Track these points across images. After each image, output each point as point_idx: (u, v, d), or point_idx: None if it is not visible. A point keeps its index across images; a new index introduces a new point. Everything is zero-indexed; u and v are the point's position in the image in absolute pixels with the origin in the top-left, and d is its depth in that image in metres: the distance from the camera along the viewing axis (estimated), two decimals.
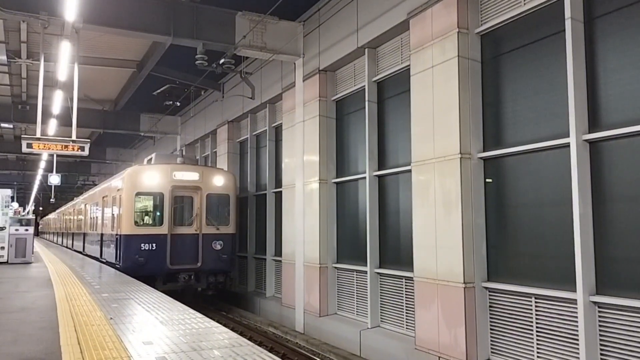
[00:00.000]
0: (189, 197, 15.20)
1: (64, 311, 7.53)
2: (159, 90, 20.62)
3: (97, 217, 19.59)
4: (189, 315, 7.22)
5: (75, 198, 32.99)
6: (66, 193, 52.47)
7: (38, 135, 12.74)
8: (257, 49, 13.08)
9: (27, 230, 17.43)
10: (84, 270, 14.29)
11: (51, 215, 51.38)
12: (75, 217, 27.73)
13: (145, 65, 17.34)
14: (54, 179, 30.15)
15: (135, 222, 14.55)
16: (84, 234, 23.38)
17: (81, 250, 23.90)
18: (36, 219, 51.02)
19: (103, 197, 18.14)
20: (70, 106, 14.12)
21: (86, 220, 23.05)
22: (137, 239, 14.18)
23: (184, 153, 20.54)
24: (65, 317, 7.09)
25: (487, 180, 8.54)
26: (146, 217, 15.14)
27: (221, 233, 15.21)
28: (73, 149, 12.93)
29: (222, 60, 13.15)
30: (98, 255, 18.41)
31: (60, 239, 37.44)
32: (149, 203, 15.13)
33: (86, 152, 12.87)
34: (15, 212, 24.26)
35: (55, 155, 26.30)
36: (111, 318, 6.92)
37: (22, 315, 7.38)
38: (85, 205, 23.75)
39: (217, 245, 15.06)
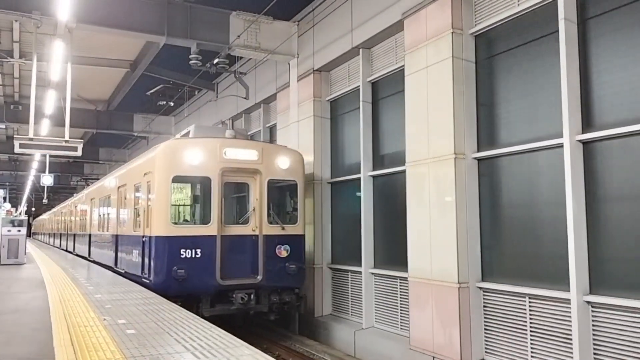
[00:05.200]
0: (244, 184, 11.12)
1: (57, 312, 7.48)
2: (152, 90, 20.56)
3: (109, 214, 15.53)
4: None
5: (75, 194, 29.06)
6: (59, 194, 52.25)
7: (31, 135, 12.66)
8: (251, 49, 13.07)
9: (19, 231, 17.32)
10: (76, 272, 14.19)
11: (46, 215, 48.30)
12: (78, 216, 23.67)
13: (138, 65, 17.28)
14: (47, 180, 29.97)
15: (173, 220, 10.48)
16: (90, 236, 19.31)
17: (86, 255, 19.82)
18: (29, 219, 50.69)
19: (119, 188, 14.06)
20: (63, 106, 14.06)
21: (93, 219, 18.98)
22: (176, 242, 10.03)
23: (233, 125, 14.74)
24: (58, 318, 7.05)
25: (481, 180, 8.56)
26: (186, 212, 11.32)
27: (288, 234, 11.05)
28: (66, 149, 12.87)
29: (216, 60, 13.12)
30: (110, 264, 14.45)
31: (58, 241, 32.96)
32: (190, 192, 11.34)
33: (79, 153, 12.80)
34: (7, 212, 24.11)
35: (47, 156, 26.14)
36: (105, 319, 6.88)
37: (15, 317, 7.33)
38: (92, 200, 19.35)
39: (283, 251, 10.93)
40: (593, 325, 6.73)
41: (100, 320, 6.80)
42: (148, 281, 10.48)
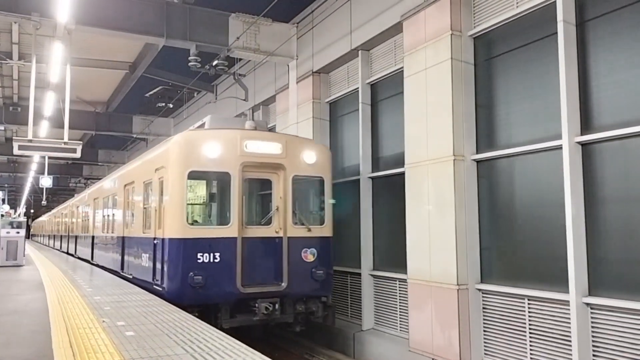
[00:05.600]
0: (266, 180, 10.08)
1: (56, 314, 7.47)
2: (151, 92, 20.62)
3: (114, 215, 14.59)
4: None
5: (76, 194, 27.83)
6: (58, 195, 52.22)
7: (30, 137, 12.66)
8: (250, 51, 13.08)
9: (18, 232, 17.30)
10: (75, 274, 14.18)
11: (46, 216, 47.25)
12: (80, 217, 22.47)
13: (138, 67, 17.29)
14: (46, 181, 29.96)
15: (189, 220, 9.49)
16: (93, 238, 18.30)
17: (88, 258, 18.89)
18: (27, 221, 50.63)
19: (126, 186, 13.06)
20: (62, 108, 14.05)
21: (96, 220, 17.90)
22: (192, 245, 9.07)
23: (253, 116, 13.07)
24: (57, 320, 7.03)
25: (480, 182, 8.57)
26: (203, 212, 10.37)
27: (314, 237, 9.98)
28: (65, 151, 12.87)
29: (215, 62, 13.13)
30: (116, 268, 13.50)
31: (59, 244, 31.81)
32: (207, 189, 10.30)
33: (78, 154, 12.81)
34: (6, 214, 24.11)
35: (46, 157, 26.13)
36: (104, 321, 6.87)
37: (14, 319, 7.31)
38: (95, 200, 18.24)
39: (309, 255, 9.87)
40: (592, 326, 6.74)
41: (99, 322, 6.79)
42: (160, 288, 9.46)
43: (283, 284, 9.47)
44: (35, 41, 12.40)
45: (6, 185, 44.20)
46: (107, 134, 25.29)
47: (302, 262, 9.74)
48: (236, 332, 7.63)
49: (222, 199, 9.82)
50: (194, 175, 9.41)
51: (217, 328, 6.58)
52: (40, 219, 56.47)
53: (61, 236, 30.59)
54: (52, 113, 16.26)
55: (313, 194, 10.62)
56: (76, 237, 23.42)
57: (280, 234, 9.73)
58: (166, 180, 9.53)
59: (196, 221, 9.87)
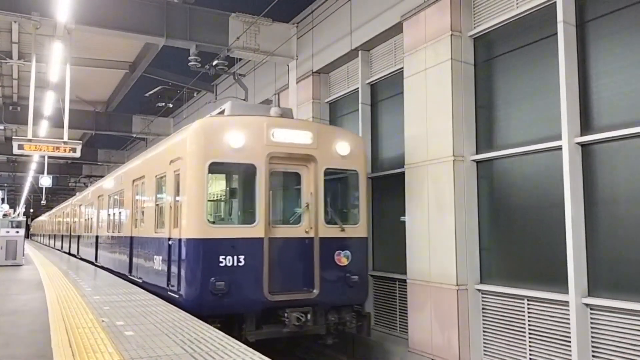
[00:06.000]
0: (294, 174, 9.06)
1: (55, 314, 7.47)
2: (151, 92, 20.65)
3: (121, 213, 13.63)
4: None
5: (78, 193, 26.59)
6: (57, 195, 52.21)
7: (29, 136, 12.67)
8: (250, 51, 13.08)
9: (17, 232, 17.30)
10: (75, 273, 14.17)
11: (47, 215, 46.12)
12: (82, 216, 21.49)
13: (137, 67, 17.30)
14: (45, 181, 29.93)
15: (210, 218, 8.55)
16: (97, 238, 17.28)
17: (92, 259, 17.85)
18: (27, 221, 50.60)
19: (135, 181, 12.12)
20: (61, 107, 14.06)
21: (101, 219, 16.89)
22: (214, 247, 8.07)
23: (279, 101, 11.76)
24: (56, 319, 7.03)
25: (480, 182, 8.57)
26: (225, 209, 9.38)
27: (348, 237, 8.96)
28: (64, 151, 12.87)
29: (215, 62, 13.13)
30: (123, 271, 12.55)
31: (60, 244, 30.78)
32: (229, 183, 9.32)
33: (78, 154, 12.82)
34: (5, 214, 24.12)
35: (46, 157, 26.14)
36: (103, 321, 6.87)
37: (14, 318, 7.31)
38: (100, 197, 17.14)
39: (343, 258, 8.84)
40: (591, 327, 6.74)
41: (98, 322, 6.79)
42: (176, 295, 8.46)
43: (315, 290, 8.48)
44: (35, 40, 12.40)
45: (6, 184, 44.24)
46: (107, 134, 25.31)
47: (335, 266, 8.76)
48: (262, 346, 7.00)
49: (247, 194, 8.85)
50: (215, 168, 8.40)
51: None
52: (40, 218, 55.98)
53: (62, 236, 29.78)
54: (52, 112, 16.27)
55: (346, 189, 9.62)
56: (79, 237, 22.51)
57: (311, 234, 8.71)
58: (183, 173, 8.54)
59: (218, 220, 8.93)
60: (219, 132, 8.27)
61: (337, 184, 9.47)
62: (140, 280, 10.91)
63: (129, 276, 11.80)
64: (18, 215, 49.52)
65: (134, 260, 11.63)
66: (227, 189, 9.23)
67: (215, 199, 9.08)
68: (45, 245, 41.51)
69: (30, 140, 12.39)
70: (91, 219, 18.92)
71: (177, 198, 8.82)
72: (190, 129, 8.62)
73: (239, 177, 9.07)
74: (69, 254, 24.91)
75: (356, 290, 8.92)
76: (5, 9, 10.94)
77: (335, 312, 8.78)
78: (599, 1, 6.93)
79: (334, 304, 8.73)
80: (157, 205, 10.11)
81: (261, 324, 8.25)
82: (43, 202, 40.84)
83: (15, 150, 12.25)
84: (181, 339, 5.81)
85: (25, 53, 15.19)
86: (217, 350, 5.27)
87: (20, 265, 16.90)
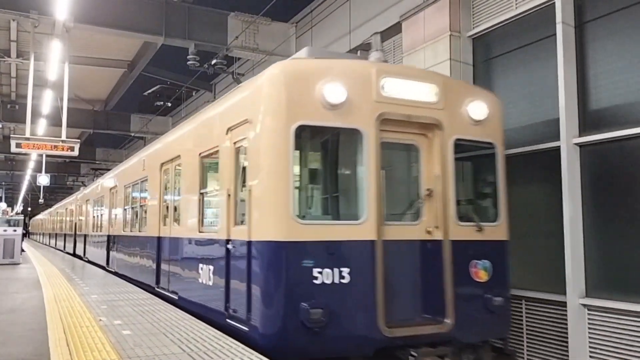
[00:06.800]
0: (409, 146, 6.21)
1: (53, 313, 7.46)
2: (149, 91, 20.58)
3: (143, 208, 10.94)
4: None
5: (84, 187, 23.12)
6: (55, 193, 52.18)
7: (27, 135, 12.67)
8: (249, 50, 13.09)
9: (15, 230, 17.28)
10: (72, 272, 14.16)
11: (46, 213, 43.15)
12: (90, 212, 18.36)
13: (136, 66, 17.29)
14: (43, 180, 29.90)
15: (299, 212, 5.59)
16: (109, 238, 14.36)
17: (102, 262, 14.96)
18: (25, 219, 50.52)
19: (163, 165, 9.47)
20: (60, 106, 14.05)
21: (113, 215, 14.03)
22: (305, 254, 5.33)
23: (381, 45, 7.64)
24: (54, 318, 7.02)
25: None
26: (316, 197, 6.24)
27: (487, 240, 6.17)
28: (63, 149, 12.86)
29: (214, 61, 13.10)
30: (148, 281, 9.90)
31: (62, 244, 27.58)
32: (324, 159, 6.33)
33: (76, 152, 12.82)
34: (3, 212, 24.10)
35: (44, 156, 26.10)
36: (101, 319, 6.86)
37: (11, 317, 7.30)
38: (112, 190, 14.16)
39: (481, 272, 6.08)
40: (589, 328, 6.74)
41: (96, 321, 6.78)
42: (245, 327, 5.72)
43: (447, 320, 5.67)
44: (34, 39, 12.39)
45: (3, 183, 44.20)
46: (105, 133, 25.29)
47: (471, 283, 6.01)
48: None
49: (347, 175, 6.17)
50: (303, 134, 5.68)
51: None
52: (39, 216, 55.08)
53: (65, 235, 26.60)
54: (50, 111, 16.26)
55: (479, 170, 6.84)
56: (85, 236, 19.35)
57: (437, 236, 5.93)
58: (253, 144, 5.83)
59: (308, 214, 5.97)
60: (309, 81, 5.57)
61: (469, 162, 6.69)
62: (174, 297, 8.22)
63: (157, 289, 9.24)
64: (16, 213, 49.51)
65: (164, 267, 9.06)
66: (321, 167, 6.34)
67: (306, 183, 6.12)
68: (46, 245, 41.00)
69: (28, 139, 12.38)
70: (101, 215, 16.00)
71: (242, 183, 6.18)
72: (264, 76, 5.85)
73: (338, 148, 6.23)
74: (74, 255, 22.26)
75: (498, 319, 6.12)
76: (3, 7, 10.93)
77: (472, 351, 6.02)
78: (598, 2, 6.94)
79: (472, 339, 5.98)
80: (201, 194, 7.46)
81: None
82: (41, 200, 40.79)
83: (13, 149, 12.25)
84: (178, 338, 5.80)
85: (23, 51, 15.18)
86: (214, 349, 5.27)
87: (18, 263, 16.88)
